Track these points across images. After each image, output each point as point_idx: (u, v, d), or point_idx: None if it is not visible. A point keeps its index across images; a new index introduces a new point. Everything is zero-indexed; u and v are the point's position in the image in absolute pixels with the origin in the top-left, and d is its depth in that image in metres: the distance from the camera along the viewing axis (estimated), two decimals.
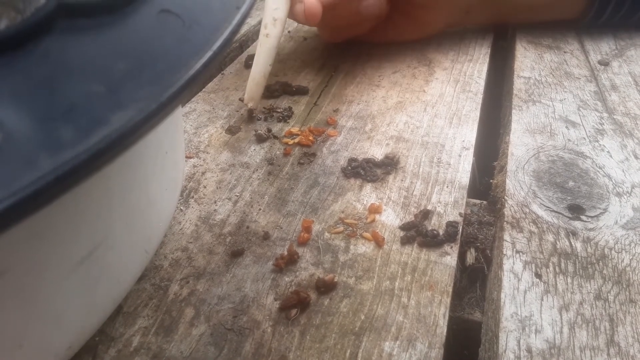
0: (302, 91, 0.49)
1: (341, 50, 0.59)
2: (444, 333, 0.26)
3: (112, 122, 0.13)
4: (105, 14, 0.16)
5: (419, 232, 0.32)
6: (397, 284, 0.29)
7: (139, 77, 0.15)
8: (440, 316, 0.27)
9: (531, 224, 0.32)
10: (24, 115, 0.13)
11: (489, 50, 0.58)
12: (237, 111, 0.47)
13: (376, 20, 0.54)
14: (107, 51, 0.15)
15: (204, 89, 0.51)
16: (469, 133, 0.42)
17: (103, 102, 0.13)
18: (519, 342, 0.25)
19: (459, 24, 0.64)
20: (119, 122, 0.13)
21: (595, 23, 0.61)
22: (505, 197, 0.34)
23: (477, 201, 0.36)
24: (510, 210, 0.33)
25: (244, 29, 0.65)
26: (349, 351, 0.25)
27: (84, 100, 0.13)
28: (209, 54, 0.16)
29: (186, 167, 0.39)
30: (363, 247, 0.31)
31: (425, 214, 0.33)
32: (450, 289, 0.28)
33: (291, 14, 0.47)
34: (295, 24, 0.67)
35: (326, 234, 0.32)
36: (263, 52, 0.44)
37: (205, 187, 0.37)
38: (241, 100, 0.44)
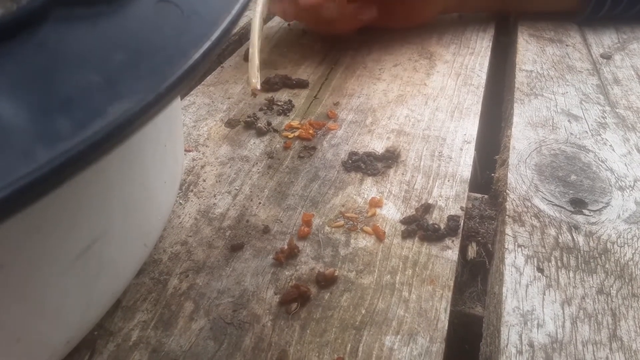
0: (302, 84, 0.49)
1: (342, 44, 0.58)
2: (445, 327, 0.26)
3: (109, 113, 0.13)
4: (102, 4, 0.16)
5: (420, 226, 0.31)
6: (398, 278, 0.29)
7: (137, 68, 0.14)
8: (441, 310, 0.27)
9: (533, 217, 0.32)
10: (20, 106, 0.12)
11: (491, 44, 0.58)
12: (237, 104, 0.46)
13: (349, 21, 0.55)
14: (104, 41, 0.15)
15: (203, 82, 0.51)
16: (471, 126, 0.42)
17: (100, 93, 0.13)
18: (520, 336, 0.25)
19: (456, 9, 0.63)
20: (117, 113, 0.13)
21: (595, 16, 0.60)
22: (507, 190, 0.34)
23: (479, 195, 0.36)
24: (512, 204, 0.33)
25: (243, 21, 0.64)
26: (349, 345, 0.25)
27: (80, 91, 0.13)
28: (207, 44, 0.16)
29: (185, 161, 0.39)
30: (364, 241, 0.31)
31: (427, 208, 0.33)
32: (451, 283, 0.28)
33: (273, 9, 0.53)
34: None
35: (326, 227, 0.32)
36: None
37: (204, 180, 0.37)
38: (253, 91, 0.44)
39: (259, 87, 0.42)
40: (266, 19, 0.53)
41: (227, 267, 0.29)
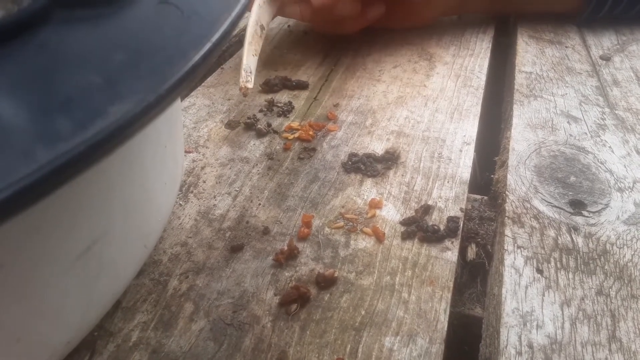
0: (302, 86, 0.49)
1: (341, 45, 0.58)
2: (445, 328, 0.26)
3: (109, 114, 0.13)
4: (103, 5, 0.16)
5: (419, 227, 0.32)
6: (397, 279, 0.29)
7: (137, 69, 0.14)
8: (441, 311, 0.27)
9: (532, 219, 0.32)
10: (21, 106, 0.12)
11: (490, 45, 0.58)
12: (237, 106, 0.46)
13: (357, 19, 0.55)
14: (104, 42, 0.15)
15: (203, 84, 0.51)
16: (470, 128, 0.42)
17: (101, 94, 0.13)
18: (520, 337, 0.25)
19: (456, 12, 0.63)
20: (117, 114, 0.13)
21: (595, 17, 0.60)
22: (507, 192, 0.34)
23: (478, 196, 0.36)
24: (512, 205, 0.33)
25: (244, 22, 0.64)
26: (349, 346, 0.25)
27: (81, 91, 0.13)
28: (208, 45, 0.16)
29: (185, 162, 0.39)
30: (363, 242, 0.31)
31: (426, 209, 0.33)
32: (451, 284, 0.28)
33: (282, 13, 0.52)
34: None
35: (326, 229, 0.32)
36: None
37: (204, 181, 0.37)
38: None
39: (249, 86, 0.41)
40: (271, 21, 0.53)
41: (227, 268, 0.29)
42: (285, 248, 0.30)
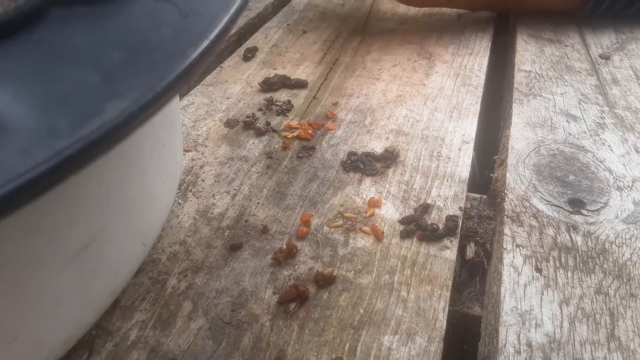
0: (301, 84, 0.49)
1: (341, 43, 0.58)
2: (444, 327, 0.26)
3: (107, 111, 0.13)
4: (100, 2, 0.16)
5: (418, 226, 0.31)
6: (396, 277, 0.29)
7: (135, 67, 0.14)
8: (439, 310, 0.27)
9: (531, 218, 0.32)
10: (19, 104, 0.12)
11: (490, 44, 0.58)
12: (236, 104, 0.46)
13: None
14: (102, 40, 0.15)
15: (202, 82, 0.51)
16: (469, 127, 0.42)
17: (98, 92, 0.13)
18: (518, 336, 0.25)
19: (449, 4, 0.63)
20: (114, 111, 0.13)
21: (595, 13, 0.60)
22: (506, 191, 0.34)
23: (477, 195, 0.36)
24: (511, 204, 0.33)
25: (242, 21, 0.64)
26: (347, 345, 0.25)
27: (78, 89, 0.13)
28: (206, 43, 0.16)
29: (184, 161, 0.39)
30: (362, 241, 0.31)
31: (425, 208, 0.33)
32: (449, 283, 0.28)
33: None
34: (295, 16, 0.66)
35: (325, 227, 0.32)
36: None
37: (203, 180, 0.37)
38: None
39: None
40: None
41: (225, 267, 0.29)
42: (284, 247, 0.30)
